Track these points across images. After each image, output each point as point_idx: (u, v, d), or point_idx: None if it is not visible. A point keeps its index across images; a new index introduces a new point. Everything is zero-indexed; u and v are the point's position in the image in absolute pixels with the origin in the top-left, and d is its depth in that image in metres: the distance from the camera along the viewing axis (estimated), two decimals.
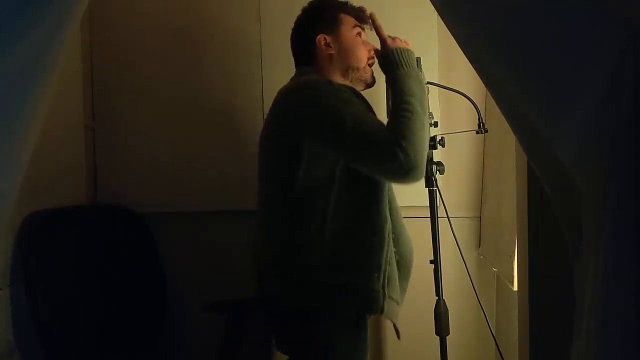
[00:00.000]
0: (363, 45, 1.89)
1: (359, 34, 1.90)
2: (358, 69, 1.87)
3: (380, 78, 1.98)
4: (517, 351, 1.74)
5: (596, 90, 0.82)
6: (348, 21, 1.90)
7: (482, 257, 2.43)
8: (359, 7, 1.94)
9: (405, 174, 1.59)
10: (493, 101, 1.33)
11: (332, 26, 1.88)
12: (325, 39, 1.86)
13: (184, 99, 2.45)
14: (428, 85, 1.94)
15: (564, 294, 1.09)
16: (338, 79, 1.85)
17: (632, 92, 0.76)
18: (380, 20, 2.14)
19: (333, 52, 1.86)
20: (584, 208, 0.92)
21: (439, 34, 2.38)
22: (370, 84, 1.91)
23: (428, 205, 2.01)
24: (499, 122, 1.97)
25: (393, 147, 1.56)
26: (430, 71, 2.12)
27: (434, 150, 1.99)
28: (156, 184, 2.44)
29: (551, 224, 1.18)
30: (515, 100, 1.09)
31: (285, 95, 1.79)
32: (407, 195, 2.39)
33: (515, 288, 1.89)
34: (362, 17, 1.93)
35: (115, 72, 2.46)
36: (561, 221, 1.08)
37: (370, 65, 1.89)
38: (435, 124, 2.00)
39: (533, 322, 1.56)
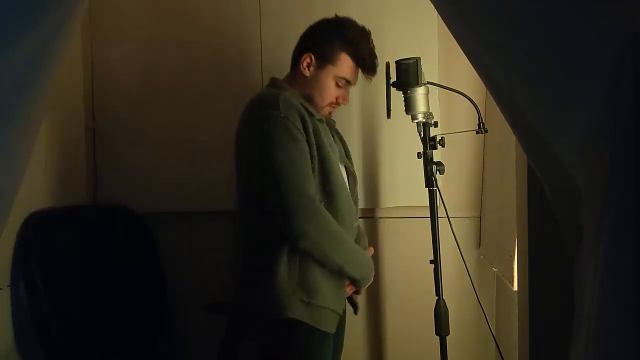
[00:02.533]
0: (336, 91, 1.90)
1: (342, 85, 1.89)
2: (316, 104, 1.89)
3: (381, 79, 1.98)
4: (517, 351, 1.74)
5: (596, 90, 0.82)
6: (343, 66, 1.88)
7: (482, 257, 2.43)
8: (373, 59, 1.90)
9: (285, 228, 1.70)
10: (493, 101, 1.33)
11: (325, 57, 1.88)
12: (310, 59, 1.88)
13: (184, 99, 2.44)
14: (428, 85, 1.95)
15: (564, 294, 1.09)
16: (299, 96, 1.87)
17: (632, 92, 0.76)
18: (381, 20, 2.14)
19: (307, 75, 1.89)
20: (584, 208, 0.92)
21: (439, 34, 2.37)
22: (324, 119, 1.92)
23: (428, 205, 2.01)
24: (499, 122, 1.97)
25: (300, 210, 1.68)
26: (430, 71, 2.12)
27: (434, 150, 1.99)
28: (156, 184, 2.44)
29: (551, 224, 1.18)
30: (515, 100, 1.09)
31: (245, 109, 1.84)
32: (407, 195, 2.40)
33: (515, 288, 1.89)
34: (367, 66, 1.90)
35: (115, 73, 2.46)
36: (561, 221, 1.08)
37: (330, 108, 1.92)
38: (435, 124, 2.00)
39: (533, 322, 1.56)
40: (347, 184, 1.93)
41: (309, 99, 1.89)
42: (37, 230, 1.96)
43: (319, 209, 1.71)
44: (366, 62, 1.90)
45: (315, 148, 1.75)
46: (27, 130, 1.10)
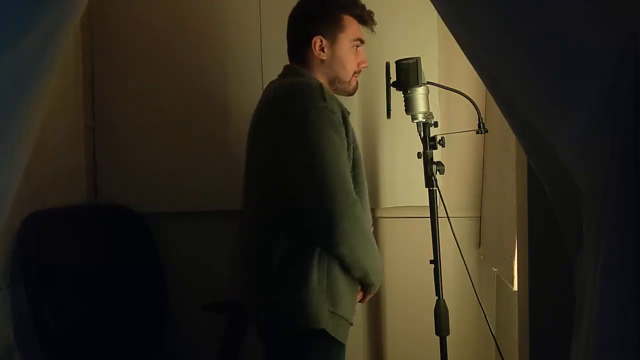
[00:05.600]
0: (355, 56, 1.81)
1: (357, 46, 1.82)
2: (344, 82, 1.81)
3: (381, 79, 1.98)
4: (517, 351, 1.74)
5: (596, 91, 0.82)
6: (351, 28, 1.79)
7: (482, 257, 2.43)
8: (366, 9, 1.83)
9: (320, 233, 1.60)
10: (493, 101, 1.33)
11: (332, 29, 1.78)
12: (321, 41, 1.77)
13: (183, 100, 2.45)
14: (428, 85, 1.95)
15: (564, 294, 1.09)
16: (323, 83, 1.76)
17: (632, 93, 0.76)
18: (381, 20, 2.13)
19: (325, 58, 1.78)
20: (584, 208, 0.92)
21: (439, 34, 2.37)
22: (352, 93, 1.86)
23: (428, 205, 2.01)
24: (499, 122, 1.97)
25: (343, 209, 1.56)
26: (430, 71, 2.12)
27: (434, 150, 1.99)
28: (156, 184, 2.44)
29: (551, 224, 1.18)
30: (515, 101, 1.09)
31: (276, 98, 1.72)
32: (407, 195, 2.40)
33: (515, 288, 1.89)
34: (365, 18, 1.83)
35: (115, 72, 2.46)
36: (561, 221, 1.09)
37: (355, 78, 1.83)
38: (435, 124, 2.00)
39: (533, 322, 1.56)
40: None
41: (335, 80, 1.80)
42: (36, 230, 1.96)
43: (360, 212, 1.62)
44: (364, 15, 1.82)
45: (352, 146, 1.67)
46: (26, 129, 1.10)
